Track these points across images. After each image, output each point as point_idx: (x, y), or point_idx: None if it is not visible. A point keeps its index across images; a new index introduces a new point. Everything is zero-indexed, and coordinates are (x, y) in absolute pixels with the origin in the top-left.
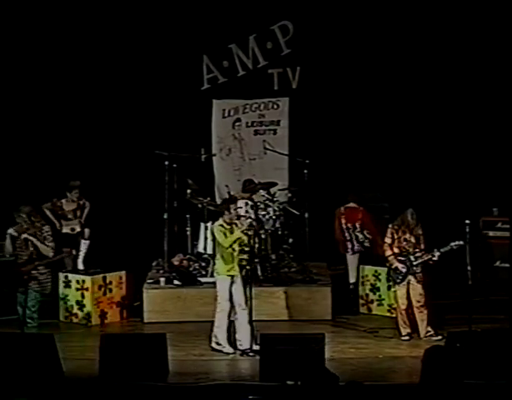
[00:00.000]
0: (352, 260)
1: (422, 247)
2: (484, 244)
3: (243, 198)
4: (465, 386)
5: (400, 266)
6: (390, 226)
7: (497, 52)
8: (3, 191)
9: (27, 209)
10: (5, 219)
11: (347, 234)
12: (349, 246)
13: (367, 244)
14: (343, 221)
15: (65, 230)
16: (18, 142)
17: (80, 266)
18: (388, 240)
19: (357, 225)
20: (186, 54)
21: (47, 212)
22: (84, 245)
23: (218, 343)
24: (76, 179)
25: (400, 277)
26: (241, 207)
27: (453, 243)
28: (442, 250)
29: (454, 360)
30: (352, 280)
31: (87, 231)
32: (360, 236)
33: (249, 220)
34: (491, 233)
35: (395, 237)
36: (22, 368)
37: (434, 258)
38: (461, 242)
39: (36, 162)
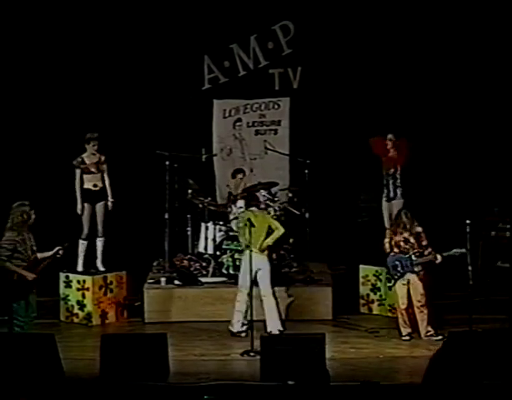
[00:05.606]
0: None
1: (424, 243)
2: (485, 244)
3: (243, 198)
4: (465, 386)
5: (397, 262)
6: (388, 228)
7: (497, 51)
8: None
9: None
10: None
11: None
12: None
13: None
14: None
15: (87, 185)
16: (18, 143)
17: (100, 267)
18: (387, 240)
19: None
20: (187, 54)
21: (77, 174)
22: (100, 242)
23: None
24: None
25: (398, 274)
26: (241, 207)
27: (455, 250)
28: (444, 254)
29: (456, 360)
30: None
31: (100, 228)
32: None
33: None
34: (492, 233)
35: (394, 238)
36: (22, 368)
37: (438, 261)
38: (463, 250)
39: (35, 163)
